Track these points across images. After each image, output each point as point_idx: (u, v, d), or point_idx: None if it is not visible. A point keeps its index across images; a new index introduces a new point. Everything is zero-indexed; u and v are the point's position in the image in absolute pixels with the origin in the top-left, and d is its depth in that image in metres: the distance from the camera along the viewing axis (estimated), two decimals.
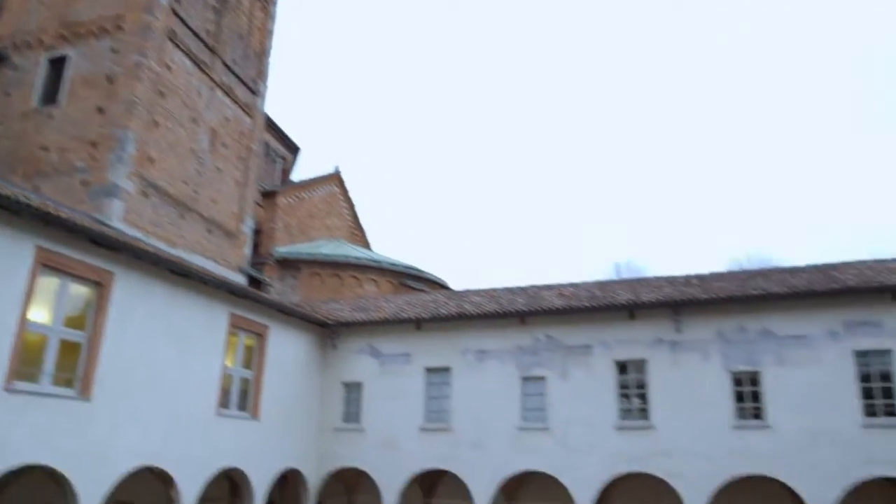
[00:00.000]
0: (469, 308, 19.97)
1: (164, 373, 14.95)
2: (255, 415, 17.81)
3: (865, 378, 16.31)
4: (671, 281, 20.12)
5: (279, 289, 27.46)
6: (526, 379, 18.73)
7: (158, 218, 20.12)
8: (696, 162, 78.72)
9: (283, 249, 29.01)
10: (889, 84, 71.34)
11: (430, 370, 19.74)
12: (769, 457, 16.23)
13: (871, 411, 16.03)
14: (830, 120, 74.46)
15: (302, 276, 28.28)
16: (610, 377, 18.03)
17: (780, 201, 71.91)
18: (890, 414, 15.90)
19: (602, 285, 21.19)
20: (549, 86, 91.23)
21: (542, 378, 18.55)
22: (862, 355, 16.39)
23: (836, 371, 16.35)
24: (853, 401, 16.08)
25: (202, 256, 21.19)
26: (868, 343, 16.34)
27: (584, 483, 17.38)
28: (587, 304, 18.48)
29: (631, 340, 18.07)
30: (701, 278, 19.93)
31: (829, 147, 73.76)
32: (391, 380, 19.91)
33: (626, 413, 17.88)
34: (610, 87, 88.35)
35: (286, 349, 19.30)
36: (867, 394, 16.19)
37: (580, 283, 21.69)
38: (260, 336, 18.38)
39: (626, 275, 39.13)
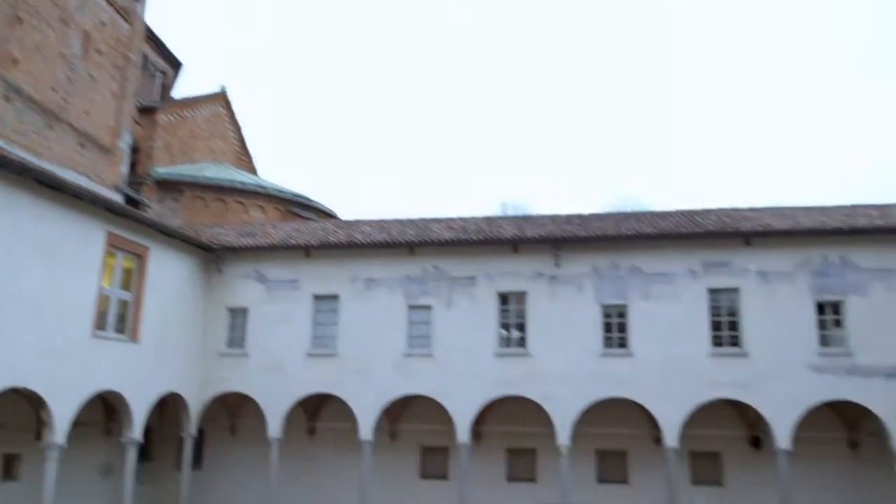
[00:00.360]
0: (359, 237, 20.11)
1: (32, 290, 14.12)
2: (133, 338, 17.27)
3: (716, 313, 18.24)
4: (553, 219, 21.17)
5: (159, 211, 26.15)
6: (413, 307, 19.32)
7: (22, 126, 18.44)
8: (580, 110, 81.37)
9: (162, 170, 27.52)
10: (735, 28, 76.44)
11: (318, 297, 19.86)
12: (630, 382, 17.91)
13: (718, 342, 18.02)
14: (700, 74, 79.11)
15: (184, 200, 27.05)
16: (492, 307, 18.97)
17: (654, 148, 76.21)
18: (733, 345, 17.95)
19: (489, 220, 21.93)
20: (445, 18, 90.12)
21: (428, 307, 19.21)
22: (714, 293, 18.26)
23: (692, 306, 18.13)
24: (704, 333, 17.98)
25: (74, 171, 19.73)
26: (720, 282, 18.20)
27: (463, 406, 18.44)
28: (474, 238, 19.17)
29: (513, 273, 19.01)
30: (581, 218, 21.11)
31: (700, 98, 78.55)
32: (278, 306, 19.86)
33: (505, 341, 18.98)
34: (501, 27, 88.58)
35: (168, 272, 18.67)
36: (716, 327, 18.15)
37: (468, 217, 22.33)
38: (140, 257, 17.64)
39: (511, 213, 40.50)
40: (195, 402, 19.59)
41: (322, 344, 19.63)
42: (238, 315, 20.24)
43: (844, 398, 17.21)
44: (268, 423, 19.18)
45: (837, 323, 17.79)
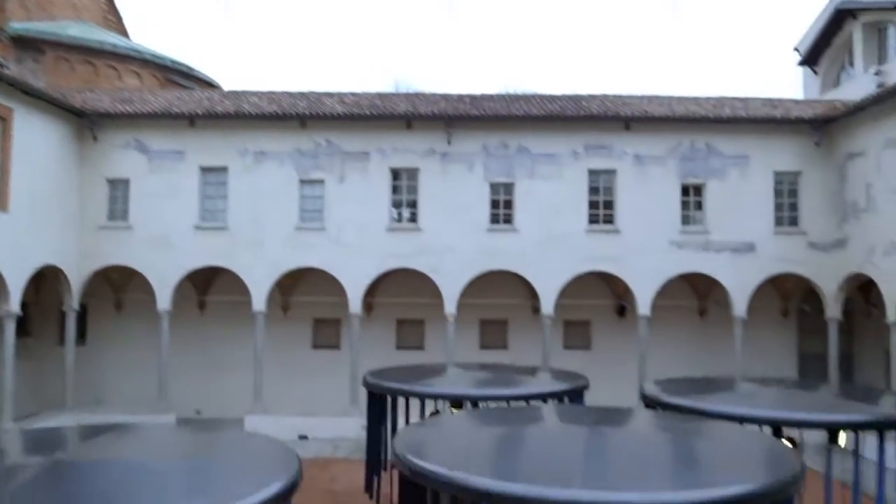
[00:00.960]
0: (248, 108, 19.40)
1: None
2: (2, 207, 16.21)
3: (594, 192, 19.50)
4: (446, 97, 21.26)
5: (17, 72, 23.69)
6: (304, 182, 19.24)
7: None
8: None
9: (18, 25, 24.68)
10: None
11: (205, 169, 19.27)
12: (514, 256, 19.10)
13: (594, 220, 19.40)
14: None
15: (46, 60, 24.59)
16: (384, 183, 19.26)
17: (546, 35, 76.37)
18: (608, 222, 19.41)
19: (382, 96, 21.69)
20: None
21: (320, 181, 19.19)
22: (593, 174, 19.43)
23: (573, 186, 19.26)
24: (583, 211, 19.27)
25: None
26: (600, 163, 19.34)
27: (355, 278, 19.03)
28: (367, 113, 19.06)
29: (406, 150, 19.23)
30: (473, 97, 21.33)
31: None
32: (162, 177, 19.11)
33: (396, 216, 19.50)
34: None
35: (36, 139, 17.35)
36: (593, 206, 19.47)
37: (361, 93, 21.95)
38: (3, 120, 16.23)
39: (404, 91, 39.96)
40: (75, 276, 18.94)
41: (211, 217, 19.29)
42: (118, 186, 19.32)
43: (698, 271, 19.29)
44: (156, 297, 18.98)
45: (698, 204, 19.62)
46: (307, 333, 21.93)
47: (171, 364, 19.42)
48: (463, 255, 18.97)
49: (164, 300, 18.98)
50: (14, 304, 16.57)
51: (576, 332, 21.86)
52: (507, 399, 9.65)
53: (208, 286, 21.52)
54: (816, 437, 9.30)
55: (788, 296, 21.59)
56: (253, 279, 19.00)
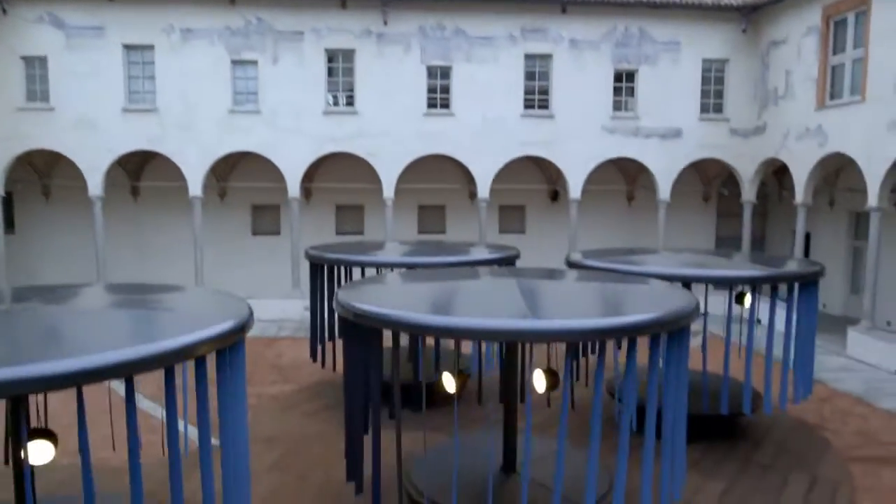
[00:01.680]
0: None
1: None
2: None
3: (530, 77, 19.67)
4: None
5: None
6: (236, 62, 18.64)
7: None
8: None
9: None
10: None
11: (129, 47, 18.35)
12: (451, 140, 19.32)
13: (529, 105, 19.68)
14: None
15: None
16: (320, 65, 18.86)
17: None
18: (543, 107, 19.74)
19: None
20: None
21: (253, 62, 18.64)
22: (530, 58, 19.52)
23: (510, 70, 19.34)
24: (518, 95, 19.48)
25: None
26: (536, 48, 19.39)
27: (293, 162, 18.97)
28: None
29: (341, 30, 18.75)
30: None
31: None
32: (83, 55, 18.12)
33: (333, 99, 19.28)
34: None
35: None
36: (528, 90, 19.69)
37: None
38: None
39: None
40: None
41: (139, 99, 18.61)
42: (35, 65, 18.24)
43: (628, 156, 20.03)
44: (87, 182, 18.50)
45: (630, 91, 20.09)
46: (246, 220, 21.97)
47: (107, 252, 19.25)
48: (400, 139, 19.08)
49: (95, 186, 18.54)
50: None
51: (511, 217, 22.66)
52: (443, 266, 10.23)
53: (140, 172, 21.06)
54: (723, 306, 10.31)
55: (710, 181, 22.81)
56: (187, 164, 18.69)
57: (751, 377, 9.38)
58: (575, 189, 19.79)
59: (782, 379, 9.77)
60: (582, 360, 11.02)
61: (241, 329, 5.40)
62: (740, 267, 9.85)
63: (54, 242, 21.15)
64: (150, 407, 10.92)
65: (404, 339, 8.97)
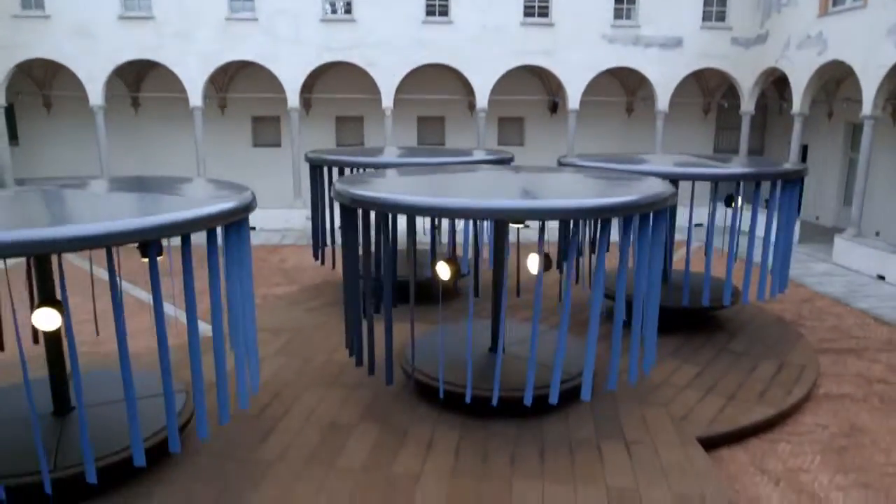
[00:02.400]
0: None
1: None
2: None
3: None
4: None
5: None
6: None
7: None
8: None
9: None
10: None
11: None
12: (450, 49, 19.19)
13: (529, 12, 19.43)
14: None
15: None
16: None
17: None
18: (542, 15, 19.49)
19: None
20: None
21: None
22: None
23: None
24: (518, 2, 19.20)
25: None
26: None
27: (292, 71, 18.94)
28: None
29: None
30: None
31: None
32: None
33: (331, 6, 19.05)
34: None
35: None
36: None
37: None
38: None
39: None
40: None
41: (134, 6, 18.41)
42: None
43: (627, 65, 19.92)
44: (87, 92, 18.57)
45: None
46: (247, 131, 22.11)
47: (110, 164, 19.51)
48: (399, 47, 18.96)
49: (95, 96, 18.61)
50: None
51: (510, 129, 22.74)
52: (439, 165, 10.55)
53: (140, 83, 21.06)
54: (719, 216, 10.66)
55: (711, 93, 22.73)
56: (186, 73, 18.69)
57: (732, 274, 9.88)
58: (574, 100, 19.80)
59: (763, 277, 10.28)
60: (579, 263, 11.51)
61: (247, 208, 5.88)
62: (726, 166, 10.17)
63: (58, 154, 21.38)
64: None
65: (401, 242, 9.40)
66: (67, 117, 20.94)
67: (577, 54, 19.45)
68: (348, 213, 7.06)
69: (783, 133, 22.03)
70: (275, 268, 15.53)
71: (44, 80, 20.59)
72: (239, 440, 6.68)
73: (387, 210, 6.43)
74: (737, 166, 10.01)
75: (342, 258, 7.52)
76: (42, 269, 5.99)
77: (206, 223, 5.29)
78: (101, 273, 6.49)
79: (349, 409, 7.52)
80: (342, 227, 7.37)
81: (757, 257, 10.17)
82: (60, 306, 5.60)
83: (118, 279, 5.22)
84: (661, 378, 8.60)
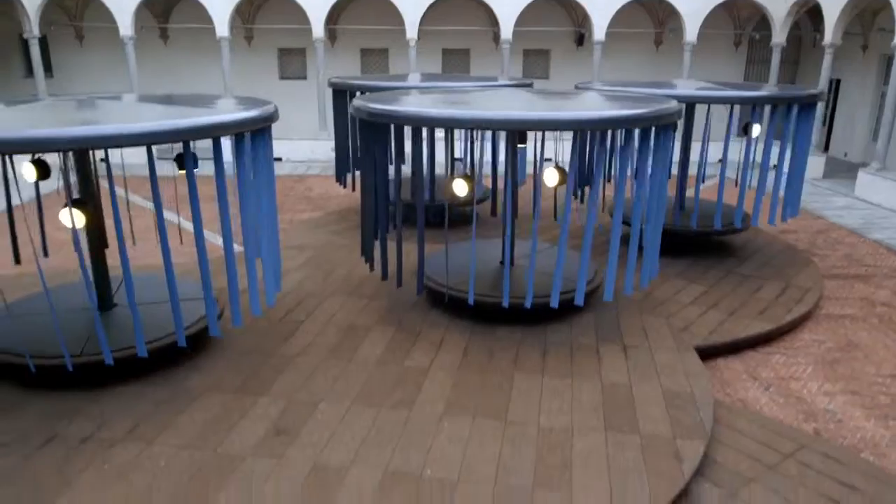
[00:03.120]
0: None
1: None
2: None
3: None
4: None
5: None
6: None
7: None
8: None
9: None
10: None
11: None
12: None
13: None
14: None
15: None
16: None
17: None
18: None
19: None
20: None
21: None
22: None
23: None
24: None
25: None
26: None
27: (316, 1, 18.99)
28: None
29: None
30: None
31: None
32: None
33: None
34: None
35: None
36: None
37: None
38: None
39: None
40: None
41: None
42: None
43: None
44: (118, 23, 18.92)
45: None
46: (273, 64, 22.35)
47: (141, 93, 19.93)
48: None
49: (125, 26, 18.96)
50: None
51: (535, 62, 22.61)
52: (461, 89, 10.78)
53: (168, 13, 21.31)
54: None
55: (742, 25, 22.21)
56: (212, 4, 18.88)
57: (744, 199, 10.08)
58: (599, 30, 19.57)
59: (774, 201, 10.45)
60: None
61: (270, 117, 6.35)
62: (739, 89, 10.23)
63: (90, 85, 21.82)
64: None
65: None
66: (99, 48, 21.38)
67: None
68: (367, 128, 7.42)
69: (816, 67, 21.49)
70: (300, 196, 16.04)
71: (75, 11, 20.96)
72: (265, 340, 7.28)
73: (400, 122, 6.79)
74: (751, 90, 10.07)
75: (360, 174, 7.93)
76: (82, 169, 6.54)
77: (236, 127, 5.77)
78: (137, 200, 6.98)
79: (367, 314, 8.07)
80: (361, 143, 7.75)
81: (770, 184, 10.33)
82: (86, 207, 6.13)
83: (156, 176, 5.70)
84: (666, 296, 8.97)
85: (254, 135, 6.20)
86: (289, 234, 11.80)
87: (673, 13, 20.22)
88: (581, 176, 7.14)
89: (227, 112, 5.91)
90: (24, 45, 19.57)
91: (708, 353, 7.64)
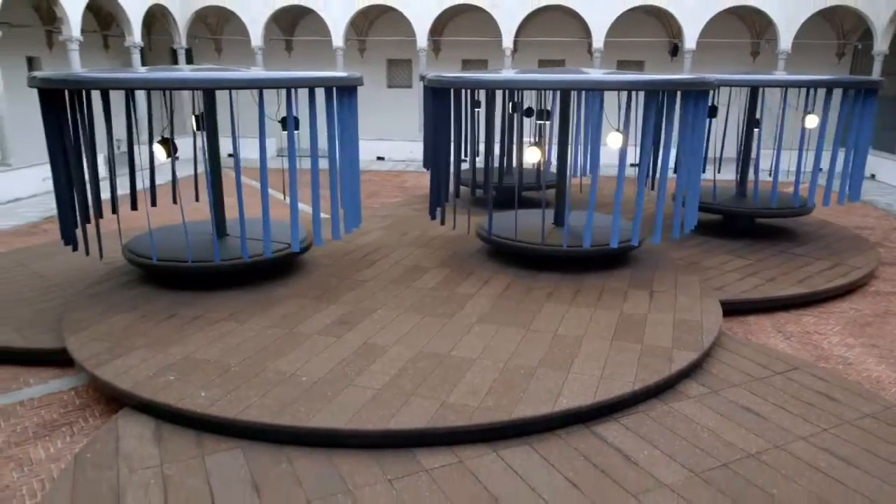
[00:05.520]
0: None
1: None
2: None
3: None
4: None
5: None
6: None
7: None
8: None
9: None
10: None
11: None
12: None
13: None
14: None
15: None
16: None
17: None
18: None
19: None
20: None
21: None
22: None
23: None
24: None
25: None
26: None
27: (421, 13, 20.81)
28: None
29: None
30: None
31: None
32: None
33: None
34: None
35: None
36: None
37: None
38: None
39: None
40: (180, 16, 21.63)
41: None
42: None
43: (748, 3, 19.78)
44: (250, 34, 21.60)
45: None
46: (382, 73, 24.43)
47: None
48: None
49: (256, 37, 21.58)
50: (137, 36, 19.60)
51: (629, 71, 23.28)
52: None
53: (294, 27, 23.94)
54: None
55: (846, 36, 21.87)
56: (331, 16, 21.14)
57: (801, 179, 10.54)
58: (690, 39, 20.05)
59: (829, 182, 10.79)
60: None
61: (356, 80, 7.94)
62: (806, 75, 10.77)
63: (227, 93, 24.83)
64: None
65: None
66: (234, 59, 24.29)
67: None
68: (438, 95, 8.80)
69: None
70: (395, 186, 17.70)
71: (216, 27, 24.01)
72: (343, 269, 8.78)
73: (469, 86, 8.20)
74: (819, 76, 10.60)
75: (432, 135, 9.30)
76: (210, 116, 8.35)
77: (329, 82, 7.53)
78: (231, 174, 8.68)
79: (430, 259, 9.39)
80: (432, 110, 9.13)
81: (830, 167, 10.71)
82: (169, 147, 7.82)
83: (264, 123, 7.32)
84: (710, 265, 9.58)
85: (340, 91, 7.74)
86: (379, 210, 13.40)
87: (770, 24, 20.35)
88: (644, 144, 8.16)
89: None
90: (174, 55, 22.66)
91: (739, 310, 8.23)
